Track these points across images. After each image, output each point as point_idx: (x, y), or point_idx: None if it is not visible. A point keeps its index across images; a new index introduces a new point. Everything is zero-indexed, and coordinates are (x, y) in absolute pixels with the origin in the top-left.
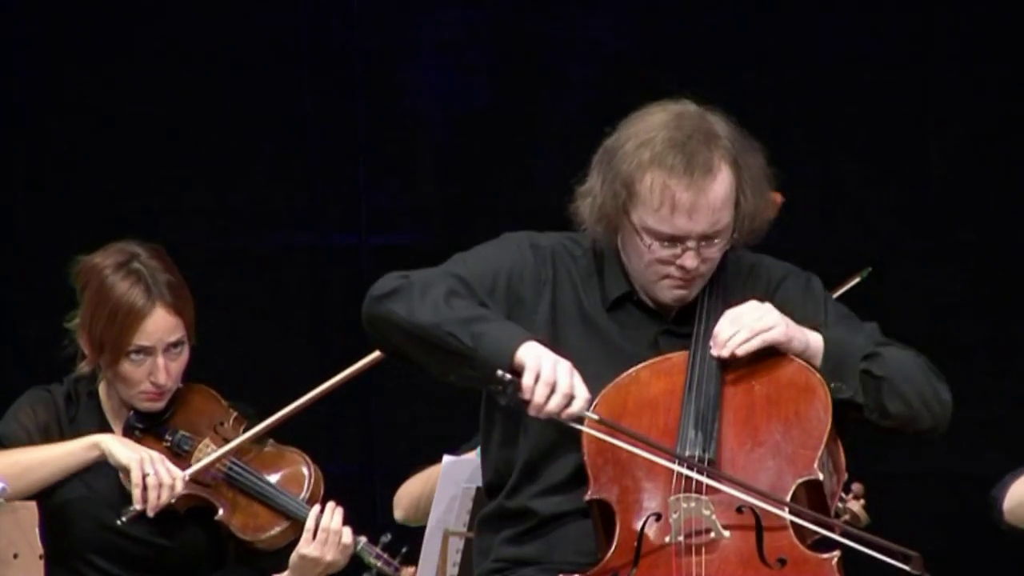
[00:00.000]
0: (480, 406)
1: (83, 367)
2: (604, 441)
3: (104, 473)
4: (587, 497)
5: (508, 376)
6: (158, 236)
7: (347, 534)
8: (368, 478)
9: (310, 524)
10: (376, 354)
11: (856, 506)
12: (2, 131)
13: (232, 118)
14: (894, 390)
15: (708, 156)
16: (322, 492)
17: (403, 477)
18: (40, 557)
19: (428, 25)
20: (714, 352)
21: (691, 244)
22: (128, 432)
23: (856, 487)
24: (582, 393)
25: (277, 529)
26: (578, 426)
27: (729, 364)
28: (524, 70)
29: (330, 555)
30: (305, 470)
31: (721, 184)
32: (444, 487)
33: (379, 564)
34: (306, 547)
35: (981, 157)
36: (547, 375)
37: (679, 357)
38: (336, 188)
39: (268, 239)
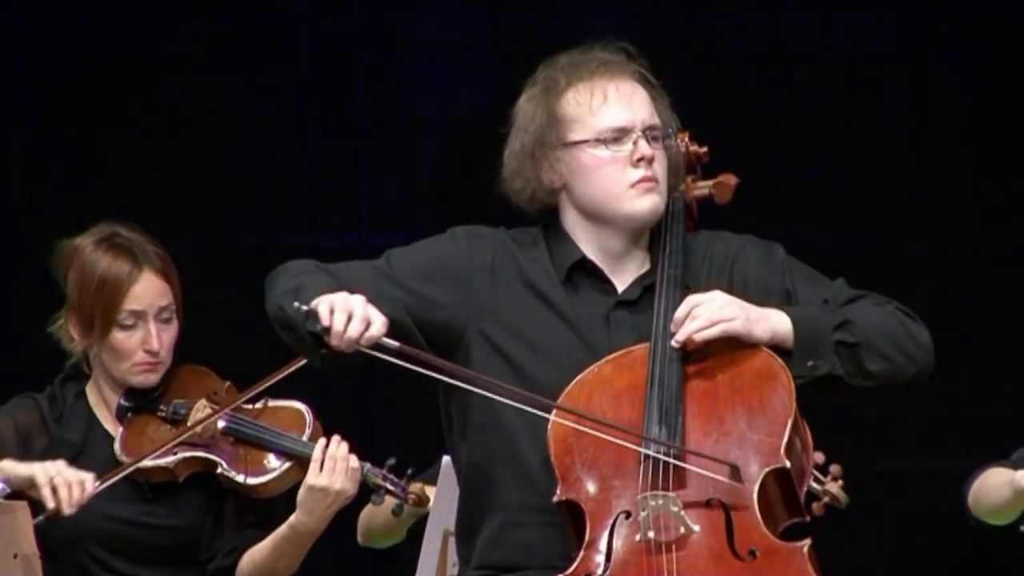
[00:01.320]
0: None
1: (75, 346)
2: (570, 440)
3: (95, 465)
4: (556, 499)
5: (305, 307)
6: (158, 236)
7: (354, 460)
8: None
9: (317, 455)
10: None
11: (835, 487)
12: (1, 131)
13: (232, 118)
14: (872, 350)
15: (618, 59)
16: (323, 435)
17: (403, 477)
18: (40, 557)
19: (428, 25)
20: (674, 341)
21: (638, 134)
22: (120, 415)
23: (834, 468)
24: (379, 318)
25: (282, 469)
26: (380, 355)
27: (690, 354)
28: (524, 70)
29: (339, 483)
30: (305, 413)
31: (637, 82)
32: (444, 487)
33: (386, 484)
34: (314, 478)
35: (981, 157)
36: (341, 304)
37: (641, 350)
38: (336, 188)
39: (268, 239)
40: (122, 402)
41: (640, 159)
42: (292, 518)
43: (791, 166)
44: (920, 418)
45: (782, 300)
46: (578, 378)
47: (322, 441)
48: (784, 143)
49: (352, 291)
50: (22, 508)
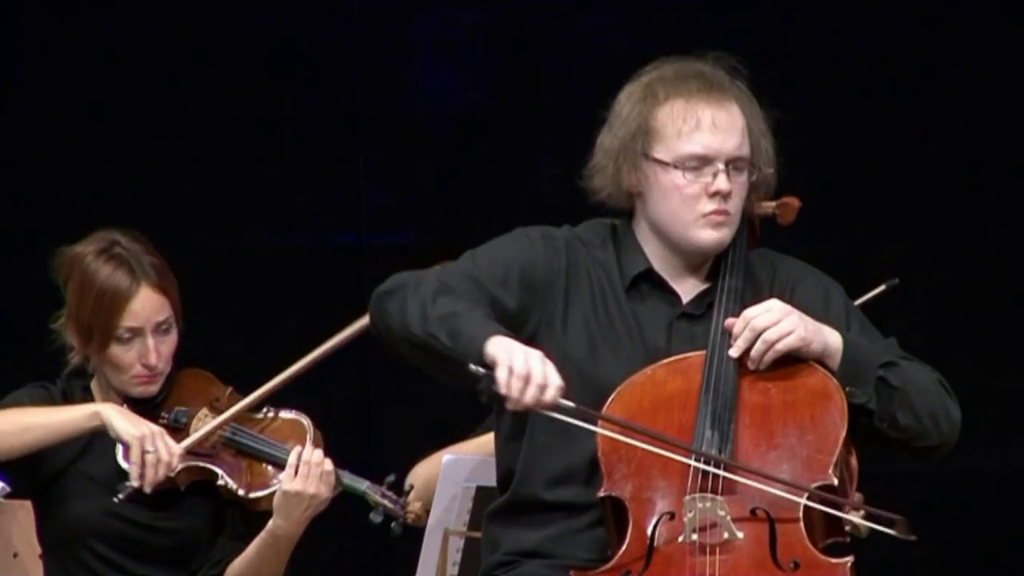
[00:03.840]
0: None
1: (73, 357)
2: (618, 439)
3: (101, 458)
4: (600, 493)
5: (481, 370)
6: (159, 235)
7: (328, 464)
8: (368, 478)
9: (292, 461)
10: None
11: (856, 517)
12: (1, 130)
13: (232, 118)
14: (907, 402)
15: (722, 83)
16: (322, 445)
17: (403, 477)
18: (40, 556)
19: (428, 25)
20: (732, 353)
21: (720, 166)
22: None
23: (856, 497)
24: (555, 381)
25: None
26: (554, 414)
27: (746, 366)
28: (524, 70)
29: (312, 487)
30: (305, 428)
31: (737, 107)
32: (444, 487)
33: (385, 502)
34: (289, 483)
35: (980, 158)
36: (520, 367)
37: (696, 357)
38: (336, 188)
39: (268, 239)
40: (124, 407)
41: (715, 193)
42: (270, 523)
43: (790, 166)
44: None
45: None
46: (630, 379)
47: (297, 448)
48: (783, 143)
49: (505, 333)
50: (22, 508)
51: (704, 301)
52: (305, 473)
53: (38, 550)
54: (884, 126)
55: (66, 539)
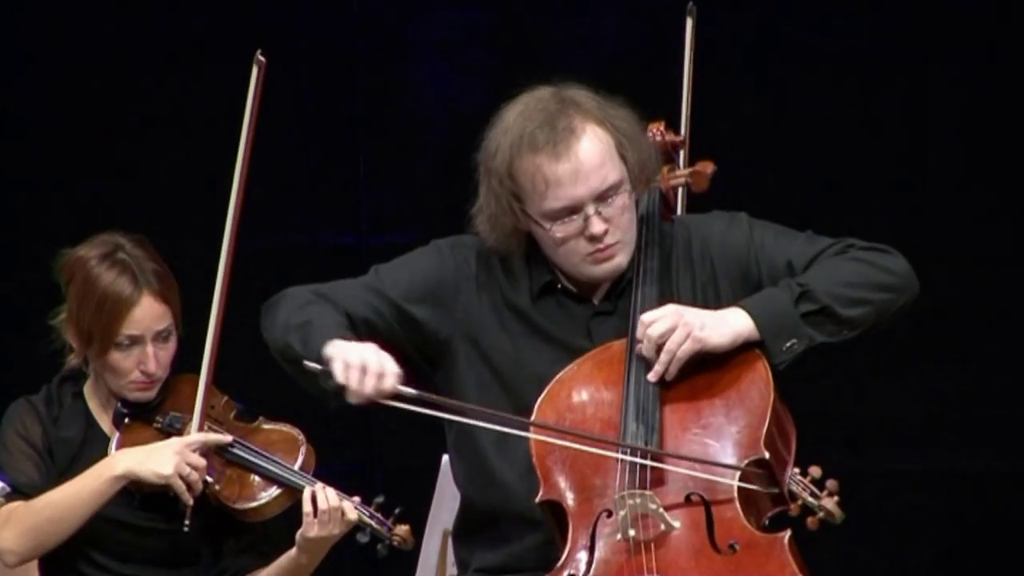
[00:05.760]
0: None
1: (71, 359)
2: (550, 442)
3: (90, 461)
4: (538, 499)
5: (318, 366)
6: (159, 236)
7: (349, 509)
8: (368, 478)
9: (308, 508)
10: None
11: (831, 503)
12: (2, 132)
13: (231, 118)
14: (844, 301)
15: (568, 121)
16: (314, 463)
17: (403, 477)
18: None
19: (428, 25)
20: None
21: (589, 210)
22: (117, 420)
23: (830, 484)
24: (392, 369)
25: (269, 496)
26: (394, 403)
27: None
28: (524, 70)
29: (337, 529)
30: (298, 441)
31: (591, 142)
32: (444, 487)
33: (373, 524)
34: (311, 531)
35: (980, 157)
36: (354, 359)
37: (619, 345)
38: (336, 188)
39: (268, 239)
40: (120, 408)
41: (592, 237)
42: (294, 553)
43: (790, 166)
44: (919, 416)
45: (752, 272)
46: (558, 376)
47: (308, 492)
48: (784, 143)
49: (361, 337)
50: None
51: (615, 293)
52: (325, 520)
53: None
54: (884, 126)
55: (63, 549)
